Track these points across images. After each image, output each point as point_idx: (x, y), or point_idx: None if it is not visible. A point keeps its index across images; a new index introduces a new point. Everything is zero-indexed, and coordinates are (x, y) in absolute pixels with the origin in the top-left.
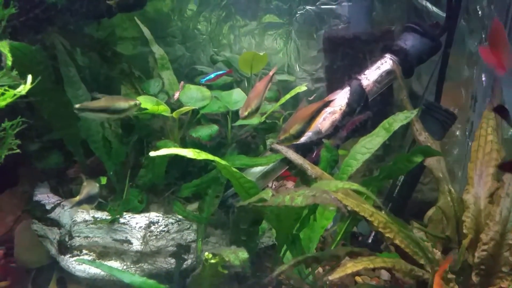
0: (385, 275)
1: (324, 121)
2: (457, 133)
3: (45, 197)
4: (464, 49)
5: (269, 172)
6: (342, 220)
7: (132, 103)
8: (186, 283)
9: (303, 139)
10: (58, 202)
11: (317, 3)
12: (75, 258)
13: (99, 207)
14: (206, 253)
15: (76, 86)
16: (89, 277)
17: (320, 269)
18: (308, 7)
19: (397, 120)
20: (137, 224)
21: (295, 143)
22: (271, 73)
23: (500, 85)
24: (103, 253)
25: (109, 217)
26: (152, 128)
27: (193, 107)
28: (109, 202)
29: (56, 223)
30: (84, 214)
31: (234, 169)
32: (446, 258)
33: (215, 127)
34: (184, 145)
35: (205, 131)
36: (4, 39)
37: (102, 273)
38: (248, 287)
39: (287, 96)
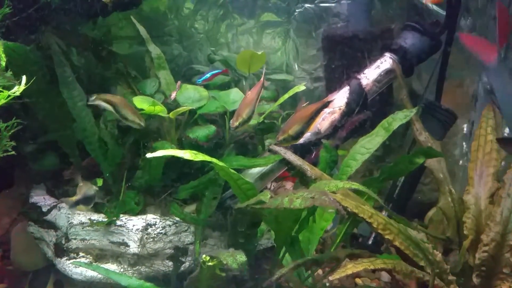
0: (385, 277)
1: (323, 121)
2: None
3: (41, 199)
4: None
5: (268, 173)
6: (342, 222)
7: (139, 121)
8: (184, 286)
9: (301, 140)
10: (54, 204)
11: (316, 1)
12: (71, 260)
13: (96, 209)
14: (204, 256)
15: (71, 86)
16: (86, 280)
17: (319, 271)
18: (306, 5)
19: (397, 119)
20: (134, 227)
21: (293, 143)
22: (261, 80)
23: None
24: (100, 255)
25: (106, 219)
26: (148, 129)
27: (190, 108)
28: (106, 204)
29: (52, 226)
30: (81, 217)
31: (232, 171)
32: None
33: (212, 128)
34: (181, 146)
35: (202, 132)
36: None
37: (99, 276)
38: None
39: (286, 96)
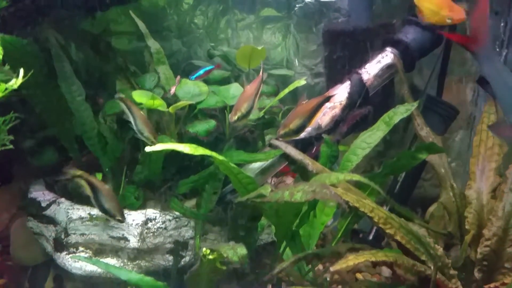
0: (386, 272)
1: (324, 116)
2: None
3: (40, 194)
4: None
5: (268, 168)
6: (343, 217)
7: (153, 140)
8: (184, 280)
9: (302, 135)
10: (54, 199)
11: None
12: (71, 255)
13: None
14: (204, 249)
15: (70, 81)
16: (85, 274)
17: (320, 266)
18: (307, 0)
19: (398, 113)
20: (133, 221)
21: (294, 138)
22: (260, 74)
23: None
24: (100, 250)
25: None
26: None
27: (190, 102)
28: None
29: (51, 220)
30: (80, 211)
31: (232, 165)
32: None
33: (212, 122)
34: (181, 140)
35: (202, 127)
36: None
37: (99, 270)
38: (247, 284)
39: (286, 91)
